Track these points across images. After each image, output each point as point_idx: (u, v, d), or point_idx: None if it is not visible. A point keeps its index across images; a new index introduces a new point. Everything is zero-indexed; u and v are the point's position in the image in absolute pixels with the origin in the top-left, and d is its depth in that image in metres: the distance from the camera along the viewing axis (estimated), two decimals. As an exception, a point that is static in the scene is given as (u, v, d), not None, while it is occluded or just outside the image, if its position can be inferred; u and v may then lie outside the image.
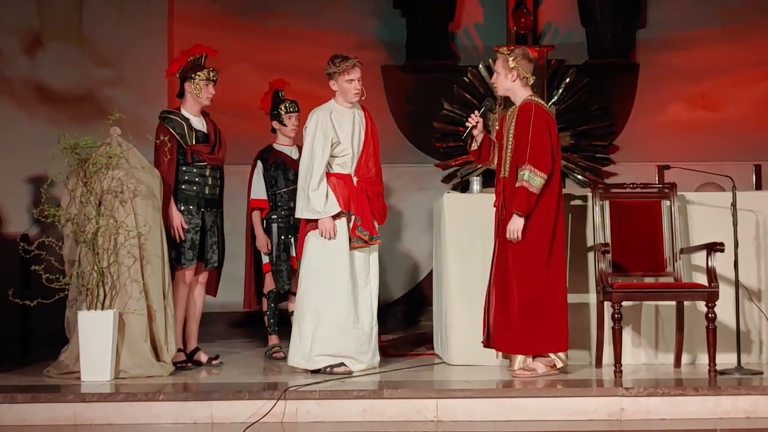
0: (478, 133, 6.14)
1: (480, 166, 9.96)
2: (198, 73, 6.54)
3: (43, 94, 9.35)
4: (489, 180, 9.69)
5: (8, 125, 9.23)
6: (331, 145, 6.17)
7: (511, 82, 6.05)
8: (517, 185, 5.89)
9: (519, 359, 6.04)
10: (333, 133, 6.18)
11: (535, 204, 5.88)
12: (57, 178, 6.09)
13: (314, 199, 6.12)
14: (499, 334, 5.98)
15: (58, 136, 6.17)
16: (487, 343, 6.11)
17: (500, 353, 6.19)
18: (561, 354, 6.02)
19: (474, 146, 6.20)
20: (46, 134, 8.47)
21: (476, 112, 6.11)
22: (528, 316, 5.90)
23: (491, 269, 6.10)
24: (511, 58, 6.02)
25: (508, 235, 5.90)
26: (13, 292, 6.14)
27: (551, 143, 5.91)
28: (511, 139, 6.00)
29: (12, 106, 9.32)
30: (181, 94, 6.64)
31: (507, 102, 6.19)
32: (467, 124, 6.10)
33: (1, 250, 8.54)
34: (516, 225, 5.87)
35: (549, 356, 5.99)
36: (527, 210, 5.86)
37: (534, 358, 6.00)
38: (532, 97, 6.05)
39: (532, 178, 5.85)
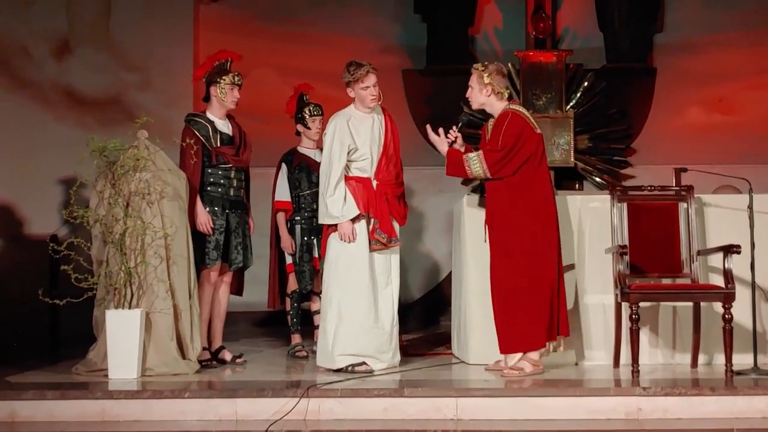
0: (459, 147, 6.24)
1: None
2: (223, 78, 6.65)
3: (72, 98, 9.46)
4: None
5: (38, 128, 9.35)
6: (349, 152, 6.27)
7: (485, 96, 6.19)
8: (462, 157, 6.05)
9: (508, 358, 6.11)
10: (350, 140, 6.26)
11: (499, 207, 6.02)
12: (86, 180, 6.18)
13: (331, 204, 6.22)
14: (498, 335, 6.08)
15: (87, 139, 6.24)
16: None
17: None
18: (534, 354, 6.05)
19: None
20: (75, 137, 8.61)
21: (454, 127, 6.23)
22: (502, 316, 6.00)
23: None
24: (485, 74, 6.17)
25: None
26: (43, 292, 6.23)
27: (516, 150, 5.99)
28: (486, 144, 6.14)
29: (42, 109, 9.44)
30: (207, 98, 6.74)
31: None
32: (447, 139, 6.20)
33: (31, 251, 8.67)
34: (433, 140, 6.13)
35: (536, 355, 6.05)
36: (450, 171, 6.13)
37: (521, 357, 6.07)
38: (510, 106, 6.18)
39: (475, 162, 6.01)
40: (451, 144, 6.21)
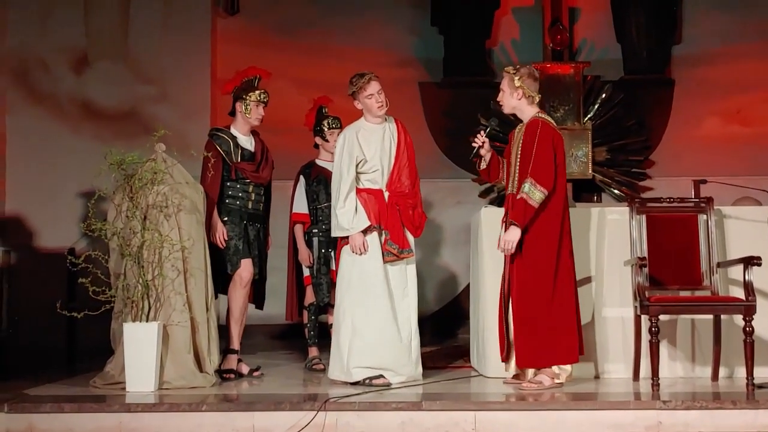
0: (486, 153, 6.19)
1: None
2: (249, 94, 6.68)
3: (90, 111, 9.51)
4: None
5: (55, 141, 9.40)
6: (358, 163, 6.26)
7: (516, 100, 6.10)
8: (517, 197, 5.94)
9: (529, 372, 6.08)
10: (359, 152, 6.25)
11: (534, 218, 5.90)
12: (104, 193, 6.20)
13: (341, 216, 6.21)
14: (517, 349, 6.04)
15: (105, 152, 6.26)
16: (506, 359, 6.17)
17: (511, 368, 6.21)
18: (567, 366, 6.03)
19: (483, 165, 6.25)
20: (92, 150, 8.65)
21: (482, 132, 6.17)
22: (535, 330, 5.93)
23: (501, 285, 6.15)
24: (516, 77, 6.07)
25: (500, 246, 5.96)
26: (61, 304, 6.26)
27: (555, 160, 5.95)
28: (518, 155, 6.06)
29: (59, 122, 9.49)
30: (233, 113, 6.79)
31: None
32: (473, 144, 6.16)
33: (48, 263, 8.71)
34: (511, 236, 5.90)
35: (556, 369, 6.02)
36: (524, 222, 5.89)
37: (538, 370, 6.03)
38: (539, 114, 6.09)
39: (532, 192, 5.89)
40: (477, 150, 6.14)
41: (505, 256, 6.08)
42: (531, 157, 5.92)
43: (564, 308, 5.96)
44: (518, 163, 6.05)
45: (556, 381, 6.01)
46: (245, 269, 6.66)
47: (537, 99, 6.13)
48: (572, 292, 6.02)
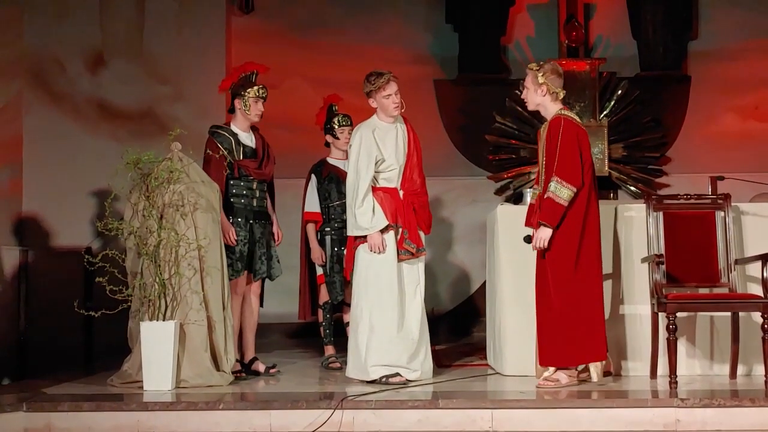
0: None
1: (533, 177, 10.00)
2: (248, 90, 6.64)
3: (106, 111, 9.54)
4: (542, 192, 9.72)
5: (72, 141, 9.43)
6: (376, 162, 6.26)
7: (541, 97, 6.06)
8: (545, 196, 5.92)
9: (548, 370, 6.06)
10: (377, 151, 6.25)
11: (564, 216, 5.89)
12: (120, 192, 6.22)
13: (360, 216, 6.21)
14: (540, 348, 6.02)
15: (121, 151, 6.28)
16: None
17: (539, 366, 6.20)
18: (597, 364, 6.02)
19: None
20: (108, 150, 8.70)
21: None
22: (561, 328, 5.91)
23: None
24: (540, 74, 6.03)
25: (534, 243, 5.95)
26: (78, 304, 6.30)
27: (581, 157, 5.93)
28: (543, 154, 6.05)
29: (75, 122, 9.51)
30: (232, 110, 6.75)
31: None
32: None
33: (65, 263, 8.74)
34: (543, 234, 5.90)
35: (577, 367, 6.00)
36: (553, 221, 5.87)
37: (557, 368, 6.02)
38: (563, 111, 6.05)
39: (559, 190, 5.87)
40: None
41: (537, 255, 6.05)
42: (555, 156, 5.90)
43: (588, 306, 5.93)
44: (543, 163, 6.03)
45: (574, 379, 5.99)
46: (242, 281, 6.66)
47: (561, 95, 6.09)
48: (597, 290, 5.98)
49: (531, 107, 6.18)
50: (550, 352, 5.96)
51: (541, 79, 6.03)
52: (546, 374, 6.02)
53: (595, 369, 6.03)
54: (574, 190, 5.87)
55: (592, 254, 5.97)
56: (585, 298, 5.93)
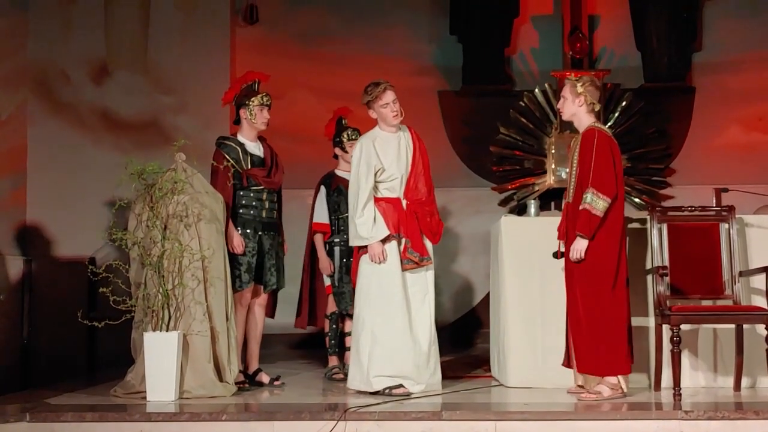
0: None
1: (537, 189, 10.02)
2: (252, 99, 6.66)
3: (110, 121, 9.54)
4: (546, 203, 9.74)
5: (76, 151, 9.43)
6: (376, 173, 6.27)
7: (577, 107, 6.09)
8: (580, 208, 5.93)
9: (581, 378, 6.06)
10: (377, 161, 6.26)
11: (599, 227, 5.92)
12: (124, 202, 6.22)
13: (360, 226, 6.22)
14: (577, 356, 6.01)
15: (125, 161, 6.28)
16: (567, 364, 6.15)
17: (577, 376, 6.19)
18: (622, 377, 6.02)
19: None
20: (112, 160, 8.70)
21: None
22: (596, 338, 5.90)
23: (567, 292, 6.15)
24: (579, 84, 6.07)
25: (571, 255, 5.96)
26: (82, 314, 6.29)
27: (615, 168, 5.95)
28: (575, 165, 6.06)
29: (79, 132, 9.51)
30: (238, 121, 6.77)
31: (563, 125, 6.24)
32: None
33: (69, 273, 8.74)
34: (579, 245, 5.92)
35: (615, 379, 5.99)
36: (590, 232, 5.90)
37: (601, 380, 6.01)
38: (595, 124, 6.08)
39: (594, 201, 5.89)
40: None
41: (565, 266, 6.06)
42: (589, 168, 5.92)
43: (622, 317, 5.94)
44: (575, 173, 6.05)
45: (618, 392, 5.97)
46: (249, 293, 6.67)
47: (597, 108, 6.14)
48: (627, 302, 6.00)
49: (566, 117, 6.20)
50: (588, 360, 5.95)
51: (580, 89, 6.07)
52: (585, 385, 6.01)
53: (624, 381, 6.03)
54: (609, 201, 5.90)
55: (625, 267, 6.00)
56: (621, 307, 5.94)
